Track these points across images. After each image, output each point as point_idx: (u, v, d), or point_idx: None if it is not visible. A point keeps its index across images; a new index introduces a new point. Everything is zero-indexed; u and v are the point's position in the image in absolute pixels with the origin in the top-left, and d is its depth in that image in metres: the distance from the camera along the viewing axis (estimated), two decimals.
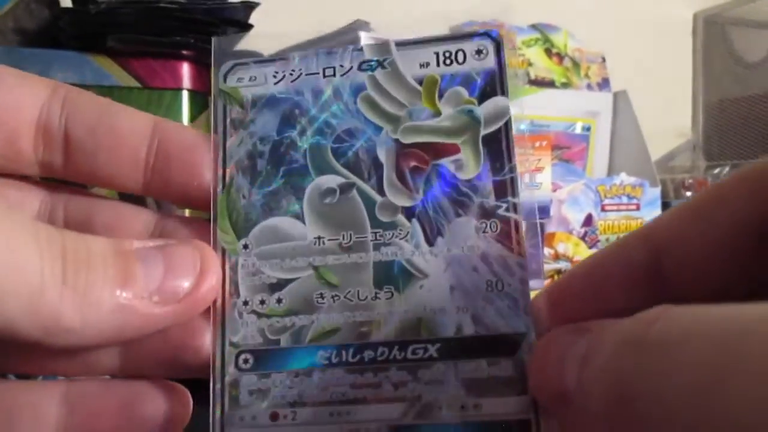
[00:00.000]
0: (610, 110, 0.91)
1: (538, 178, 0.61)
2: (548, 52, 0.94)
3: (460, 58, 0.22)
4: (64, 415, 0.18)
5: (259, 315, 0.21)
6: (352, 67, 0.23)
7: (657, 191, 0.84)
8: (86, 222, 0.20)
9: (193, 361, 0.19)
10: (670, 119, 1.04)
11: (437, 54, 0.22)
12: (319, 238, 0.21)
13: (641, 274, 0.17)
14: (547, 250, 0.73)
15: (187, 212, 0.53)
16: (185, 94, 0.53)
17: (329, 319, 0.21)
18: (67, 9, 0.53)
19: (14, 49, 0.50)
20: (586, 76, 0.95)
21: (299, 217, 0.22)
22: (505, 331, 0.20)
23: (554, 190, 0.76)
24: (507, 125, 0.21)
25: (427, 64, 0.22)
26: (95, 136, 0.19)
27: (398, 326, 0.20)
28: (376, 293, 0.21)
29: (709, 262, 0.16)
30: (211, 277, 0.19)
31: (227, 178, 0.22)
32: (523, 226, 0.21)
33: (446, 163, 0.21)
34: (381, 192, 0.22)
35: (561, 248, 0.76)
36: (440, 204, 0.21)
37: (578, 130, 0.88)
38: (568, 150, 0.87)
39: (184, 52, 0.53)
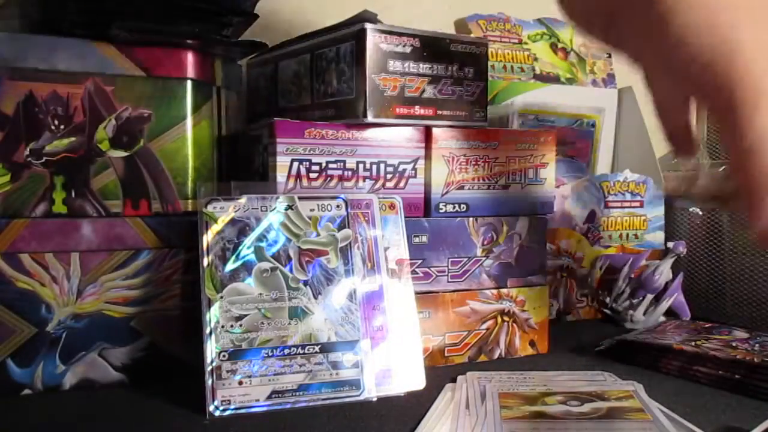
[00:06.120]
0: (614, 107, 0.91)
1: (542, 174, 0.61)
2: (554, 47, 0.93)
3: (330, 207, 0.49)
4: None
5: (230, 332, 0.45)
6: (276, 207, 0.48)
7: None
8: None
9: None
10: None
11: (318, 205, 0.49)
12: (260, 294, 0.46)
13: None
14: (549, 246, 0.73)
15: (189, 203, 0.53)
16: (189, 84, 0.53)
17: (266, 335, 0.45)
18: None
19: (19, 35, 0.50)
20: (592, 71, 0.94)
21: (250, 282, 0.46)
22: (351, 339, 0.47)
23: (558, 186, 0.75)
24: (350, 244, 0.49)
25: (313, 209, 0.49)
26: None
27: (300, 337, 0.46)
28: (290, 321, 0.46)
29: None
30: None
31: (209, 261, 0.46)
32: (361, 295, 0.49)
33: (322, 259, 0.48)
34: (291, 272, 0.47)
35: (564, 244, 0.76)
36: (319, 279, 0.48)
37: (583, 126, 0.88)
38: (572, 146, 0.87)
39: (189, 41, 0.53)
